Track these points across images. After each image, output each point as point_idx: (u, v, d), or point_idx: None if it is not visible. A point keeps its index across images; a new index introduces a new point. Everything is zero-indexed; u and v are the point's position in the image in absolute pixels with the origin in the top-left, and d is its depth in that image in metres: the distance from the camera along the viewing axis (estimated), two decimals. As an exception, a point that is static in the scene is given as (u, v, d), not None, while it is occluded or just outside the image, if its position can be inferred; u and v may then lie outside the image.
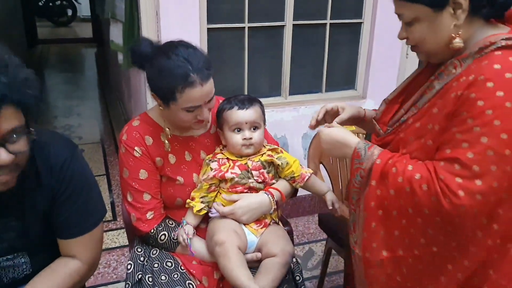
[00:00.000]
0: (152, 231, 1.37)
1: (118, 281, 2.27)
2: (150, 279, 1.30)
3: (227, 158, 1.41)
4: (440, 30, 1.04)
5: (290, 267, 1.40)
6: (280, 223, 1.50)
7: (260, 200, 1.37)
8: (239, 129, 1.38)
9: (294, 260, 1.45)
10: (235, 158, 1.41)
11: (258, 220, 1.39)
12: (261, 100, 1.47)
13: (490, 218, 0.99)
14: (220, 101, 1.49)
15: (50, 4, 9.69)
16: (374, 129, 1.28)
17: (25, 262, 1.18)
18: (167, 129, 1.38)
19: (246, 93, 2.61)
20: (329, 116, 1.36)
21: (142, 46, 1.28)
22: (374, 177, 1.08)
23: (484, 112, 0.93)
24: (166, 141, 1.38)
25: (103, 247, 2.42)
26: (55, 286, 1.14)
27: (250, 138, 1.38)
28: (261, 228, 1.39)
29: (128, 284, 1.32)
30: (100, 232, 1.23)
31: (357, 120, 1.39)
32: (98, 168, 3.50)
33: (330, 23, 2.63)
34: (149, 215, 1.36)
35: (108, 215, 2.87)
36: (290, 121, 2.68)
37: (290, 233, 1.56)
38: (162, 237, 1.37)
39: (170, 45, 1.27)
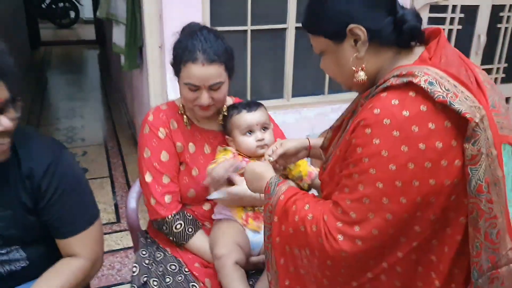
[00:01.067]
0: (170, 216, 1.36)
1: (122, 283, 2.28)
2: (156, 283, 1.30)
3: (239, 154, 1.42)
4: (343, 63, 0.98)
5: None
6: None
7: (254, 195, 1.33)
8: (251, 132, 1.40)
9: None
10: (245, 155, 1.42)
11: (256, 217, 1.39)
12: (264, 102, 1.48)
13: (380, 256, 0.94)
14: (231, 100, 1.52)
15: (53, 6, 9.72)
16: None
17: (21, 256, 1.20)
18: (182, 106, 1.44)
19: (249, 95, 2.62)
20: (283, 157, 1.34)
21: (188, 26, 1.38)
22: (276, 213, 1.04)
23: (362, 159, 0.88)
24: (185, 116, 1.43)
25: (107, 249, 2.48)
26: (59, 286, 1.15)
27: (263, 139, 1.40)
28: (262, 223, 1.37)
29: (134, 286, 1.32)
30: (97, 229, 1.25)
31: (304, 152, 1.36)
32: (101, 170, 3.51)
33: (332, 25, 2.63)
34: (167, 198, 1.37)
35: (112, 217, 2.88)
36: (292, 123, 2.69)
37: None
38: (178, 226, 1.37)
39: (198, 27, 1.36)
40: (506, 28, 3.08)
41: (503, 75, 3.22)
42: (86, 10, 9.94)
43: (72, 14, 10.09)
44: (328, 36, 0.98)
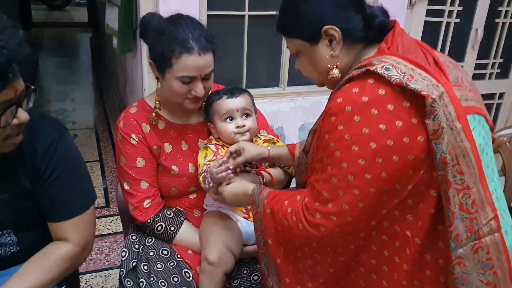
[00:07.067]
0: (149, 221, 1.35)
1: (111, 268, 2.26)
2: (146, 267, 1.28)
3: (222, 145, 1.38)
4: (319, 62, 1.05)
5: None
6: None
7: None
8: (231, 118, 1.36)
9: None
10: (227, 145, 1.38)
11: None
12: (259, 90, 1.46)
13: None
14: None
15: (45, -14, 9.57)
16: (296, 163, 1.29)
17: (11, 240, 1.17)
18: (158, 102, 1.36)
19: (244, 82, 2.59)
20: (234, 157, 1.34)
21: (151, 18, 1.28)
22: (265, 218, 1.10)
23: (329, 144, 0.96)
24: (154, 114, 1.35)
25: (96, 233, 2.44)
26: (47, 269, 1.13)
27: (243, 126, 1.36)
28: None
29: (123, 271, 1.30)
30: (91, 215, 1.22)
31: (262, 160, 1.37)
32: (92, 154, 3.47)
33: (330, 14, 2.60)
34: (146, 203, 1.35)
35: (101, 201, 2.85)
36: (287, 112, 2.66)
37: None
38: (159, 228, 1.35)
39: (176, 15, 1.27)
40: (503, 23, 3.07)
41: (498, 71, 3.21)
42: (79, -8, 9.79)
43: (65, -5, 9.95)
44: (303, 38, 1.04)
